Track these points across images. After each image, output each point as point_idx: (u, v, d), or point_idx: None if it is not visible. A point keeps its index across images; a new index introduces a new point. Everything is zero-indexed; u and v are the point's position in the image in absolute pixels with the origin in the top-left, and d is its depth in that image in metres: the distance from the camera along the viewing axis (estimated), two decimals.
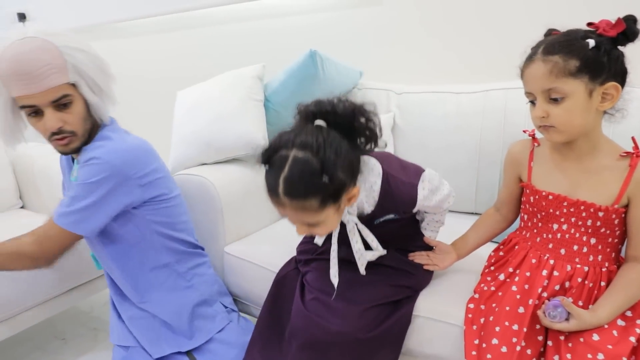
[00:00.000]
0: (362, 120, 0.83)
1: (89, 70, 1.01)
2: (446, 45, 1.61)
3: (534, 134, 0.99)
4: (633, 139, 0.86)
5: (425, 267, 1.05)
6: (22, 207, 1.81)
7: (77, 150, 1.07)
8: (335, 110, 0.82)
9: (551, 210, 0.92)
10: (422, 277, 1.06)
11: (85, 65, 1.00)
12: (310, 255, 1.10)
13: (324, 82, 1.45)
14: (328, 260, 1.00)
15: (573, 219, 0.89)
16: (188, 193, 1.32)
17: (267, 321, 1.08)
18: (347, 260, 1.00)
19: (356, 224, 0.96)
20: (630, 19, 0.81)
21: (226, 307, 1.24)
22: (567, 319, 0.85)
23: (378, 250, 0.97)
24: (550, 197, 0.91)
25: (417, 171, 0.97)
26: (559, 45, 0.82)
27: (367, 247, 0.98)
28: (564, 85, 0.81)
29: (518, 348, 0.85)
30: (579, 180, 0.89)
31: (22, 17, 3.29)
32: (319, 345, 0.95)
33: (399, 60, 1.70)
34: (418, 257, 1.07)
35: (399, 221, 1.02)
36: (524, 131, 1.01)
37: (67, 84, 0.98)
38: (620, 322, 0.85)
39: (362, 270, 0.99)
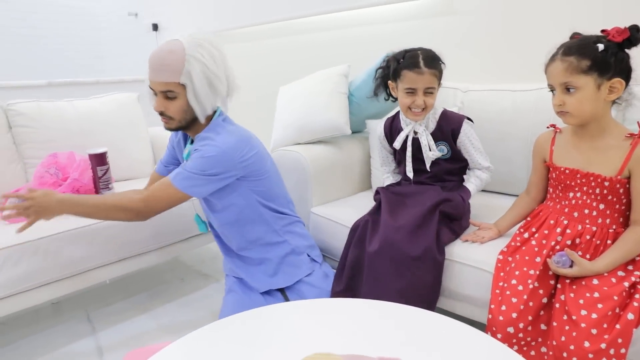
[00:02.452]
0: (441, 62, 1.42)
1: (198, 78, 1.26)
2: (509, 48, 1.83)
3: (554, 125, 1.22)
4: (639, 123, 1.06)
5: (471, 239, 1.34)
6: None
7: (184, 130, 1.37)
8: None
9: (568, 182, 1.14)
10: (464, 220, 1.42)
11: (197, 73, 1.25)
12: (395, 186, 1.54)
13: None
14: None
15: (585, 188, 1.11)
16: (285, 165, 1.69)
17: (344, 258, 1.41)
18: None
19: (424, 131, 1.45)
20: (634, 28, 1.01)
21: (311, 258, 1.52)
22: (570, 266, 1.07)
23: (436, 152, 1.46)
24: (567, 171, 1.13)
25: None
26: (575, 48, 1.05)
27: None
28: (576, 80, 1.04)
29: (531, 287, 1.09)
30: (590, 156, 1.11)
31: (155, 27, 3.95)
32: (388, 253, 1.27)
33: (467, 62, 1.95)
34: (468, 236, 1.36)
35: (449, 162, 1.47)
36: (547, 127, 1.25)
37: (175, 82, 1.24)
38: (620, 273, 1.05)
39: (428, 166, 1.47)
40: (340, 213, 1.62)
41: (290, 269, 1.47)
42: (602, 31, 1.05)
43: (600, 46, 1.02)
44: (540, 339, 1.07)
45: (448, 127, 1.45)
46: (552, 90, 1.11)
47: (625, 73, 1.03)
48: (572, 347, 0.97)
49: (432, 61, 1.38)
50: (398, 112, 1.55)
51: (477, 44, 1.91)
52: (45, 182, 1.73)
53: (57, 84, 2.81)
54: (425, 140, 1.44)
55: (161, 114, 1.31)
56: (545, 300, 1.09)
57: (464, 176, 1.52)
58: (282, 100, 1.95)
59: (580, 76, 1.03)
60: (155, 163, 2.31)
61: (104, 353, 1.56)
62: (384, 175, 1.66)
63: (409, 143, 1.48)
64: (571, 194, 1.14)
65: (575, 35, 1.11)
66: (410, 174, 1.49)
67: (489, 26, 1.87)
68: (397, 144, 1.50)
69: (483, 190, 1.58)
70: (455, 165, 1.49)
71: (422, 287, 1.26)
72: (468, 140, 1.45)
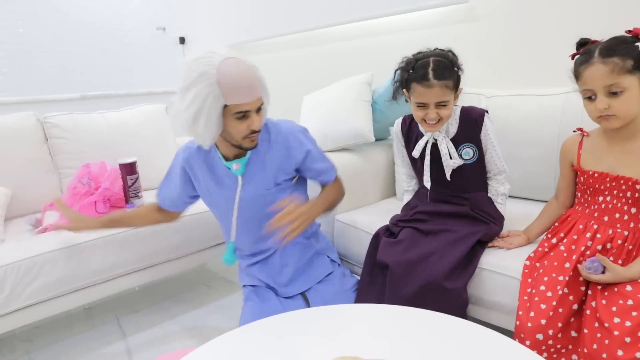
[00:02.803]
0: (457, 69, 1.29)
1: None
2: (534, 52, 1.81)
3: (581, 129, 1.20)
4: None
5: (499, 245, 1.33)
6: None
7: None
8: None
9: (597, 186, 1.12)
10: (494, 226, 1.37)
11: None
12: (407, 216, 1.44)
13: None
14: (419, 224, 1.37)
15: (615, 192, 1.09)
16: None
17: (369, 267, 1.41)
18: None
19: (444, 138, 1.36)
20: None
21: (330, 259, 1.54)
22: (602, 272, 1.04)
23: (457, 160, 1.35)
24: (596, 174, 1.11)
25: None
26: (615, 48, 1.02)
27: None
28: (623, 81, 1.01)
29: (560, 293, 1.06)
30: (620, 159, 1.08)
31: (182, 40, 4.05)
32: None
33: (490, 68, 1.93)
34: (496, 242, 1.35)
35: (474, 169, 1.38)
36: (574, 131, 1.23)
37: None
38: None
39: (448, 176, 1.37)
40: (364, 220, 1.63)
41: (312, 270, 1.50)
42: (628, 32, 1.03)
43: None
44: (570, 347, 1.05)
45: (471, 119, 1.35)
46: (589, 97, 1.07)
47: None
48: (604, 356, 0.94)
49: (444, 71, 1.23)
50: None
51: (501, 49, 1.90)
52: (78, 192, 1.78)
53: (90, 97, 2.92)
54: (446, 148, 1.35)
55: (257, 131, 1.28)
56: (575, 306, 1.06)
57: (490, 196, 1.43)
58: (306, 108, 1.98)
59: (626, 76, 1.00)
60: None
61: (133, 356, 1.59)
62: (406, 186, 1.60)
63: (428, 151, 1.39)
64: (601, 198, 1.12)
65: (592, 41, 1.08)
66: (427, 184, 1.41)
67: (512, 31, 1.85)
68: (416, 153, 1.40)
69: (509, 196, 1.54)
70: (478, 177, 1.42)
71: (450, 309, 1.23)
72: (488, 137, 1.35)
